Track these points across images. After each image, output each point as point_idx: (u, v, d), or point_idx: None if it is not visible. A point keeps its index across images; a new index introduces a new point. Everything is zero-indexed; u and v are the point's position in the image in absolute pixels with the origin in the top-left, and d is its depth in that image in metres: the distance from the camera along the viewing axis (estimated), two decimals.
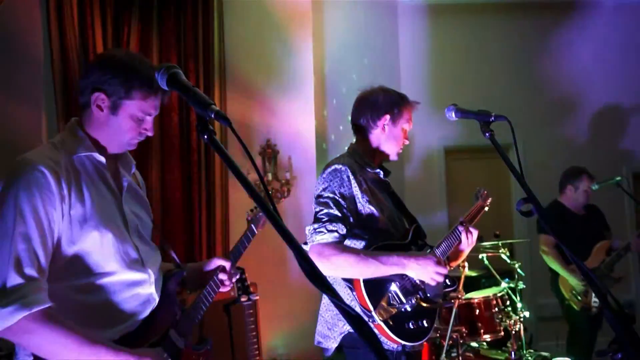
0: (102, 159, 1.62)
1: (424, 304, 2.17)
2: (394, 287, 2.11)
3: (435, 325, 2.27)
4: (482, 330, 3.62)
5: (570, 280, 4.03)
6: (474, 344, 3.75)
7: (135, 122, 1.62)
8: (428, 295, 2.20)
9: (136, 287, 1.61)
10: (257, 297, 3.65)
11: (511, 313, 3.71)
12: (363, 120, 2.33)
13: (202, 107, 1.14)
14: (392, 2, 5.65)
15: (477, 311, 3.65)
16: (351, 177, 2.16)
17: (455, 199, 5.70)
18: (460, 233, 2.29)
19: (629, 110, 5.93)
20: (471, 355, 3.76)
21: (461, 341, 3.54)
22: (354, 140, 2.41)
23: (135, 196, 1.74)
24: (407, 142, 2.37)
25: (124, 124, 1.61)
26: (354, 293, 2.11)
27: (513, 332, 3.67)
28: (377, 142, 2.33)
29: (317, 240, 2.07)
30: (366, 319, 2.06)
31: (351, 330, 2.08)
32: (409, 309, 2.12)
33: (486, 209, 2.53)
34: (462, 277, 3.51)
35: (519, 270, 3.83)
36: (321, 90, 5.16)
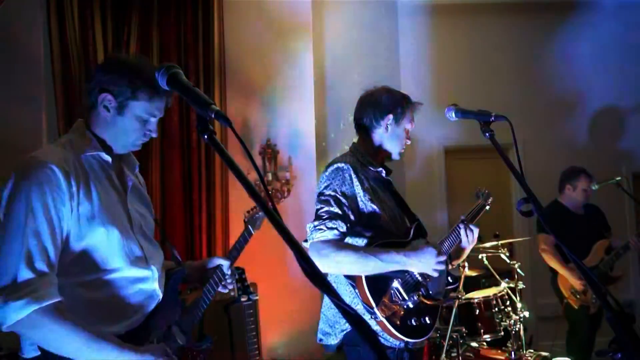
0: (109, 158, 1.67)
1: (426, 301, 2.18)
2: (396, 284, 2.12)
3: (435, 325, 2.28)
4: (482, 330, 3.62)
5: (569, 279, 4.04)
6: (474, 344, 3.76)
7: (140, 123, 1.67)
8: (430, 292, 2.21)
9: (140, 284, 1.65)
10: (257, 297, 3.66)
11: (511, 313, 3.72)
12: (366, 120, 2.34)
13: (203, 107, 1.15)
14: (392, 2, 5.65)
15: (477, 311, 3.66)
16: (353, 176, 2.18)
17: (455, 199, 5.70)
18: (461, 231, 2.30)
19: (628, 110, 5.93)
20: (471, 355, 3.76)
21: (461, 341, 3.54)
22: (356, 139, 2.42)
23: (139, 195, 1.79)
24: (409, 142, 2.39)
25: (130, 125, 1.66)
26: (356, 290, 2.12)
27: (513, 332, 3.67)
28: (380, 141, 2.34)
29: (316, 238, 2.08)
30: (369, 315, 2.07)
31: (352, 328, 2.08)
32: (411, 305, 2.13)
33: (487, 208, 2.55)
34: (462, 277, 3.52)
35: (518, 270, 3.84)
36: (321, 90, 5.15)
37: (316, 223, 2.10)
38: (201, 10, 4.47)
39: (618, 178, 4.16)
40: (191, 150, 4.36)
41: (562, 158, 5.24)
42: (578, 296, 4.02)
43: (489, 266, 3.93)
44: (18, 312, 1.39)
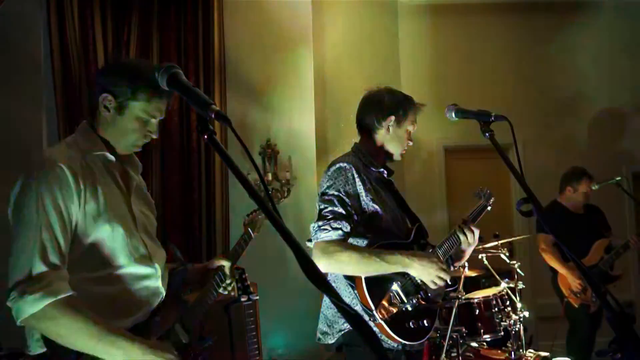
0: (113, 158, 1.70)
1: (425, 304, 2.17)
2: (395, 287, 2.11)
3: (435, 325, 2.27)
4: (482, 330, 3.62)
5: (569, 278, 4.04)
6: (474, 344, 3.76)
7: (140, 124, 1.69)
8: (429, 295, 2.20)
9: (145, 280, 1.68)
10: (257, 297, 3.66)
11: (511, 313, 3.72)
12: (368, 120, 2.34)
13: (203, 107, 1.16)
14: (392, 2, 5.65)
15: (477, 311, 3.65)
16: (355, 176, 2.17)
17: (455, 199, 5.70)
18: (461, 233, 2.29)
19: (629, 110, 5.93)
20: (471, 355, 3.76)
21: (461, 341, 3.54)
22: (358, 139, 2.41)
23: (142, 195, 1.83)
24: (411, 144, 2.37)
25: (130, 125, 1.68)
26: (356, 291, 2.11)
27: (513, 332, 3.67)
28: (381, 142, 2.33)
29: (321, 238, 2.08)
30: (367, 317, 2.06)
31: (351, 328, 2.08)
32: (410, 308, 2.12)
33: (489, 208, 2.52)
34: (462, 277, 3.52)
35: (518, 270, 3.83)
36: (321, 90, 5.15)
37: (320, 223, 2.10)
38: (201, 11, 4.47)
39: (618, 178, 4.16)
40: (191, 150, 4.36)
41: (562, 158, 5.24)
42: (578, 295, 4.02)
43: (489, 266, 3.93)
44: (33, 306, 1.42)
